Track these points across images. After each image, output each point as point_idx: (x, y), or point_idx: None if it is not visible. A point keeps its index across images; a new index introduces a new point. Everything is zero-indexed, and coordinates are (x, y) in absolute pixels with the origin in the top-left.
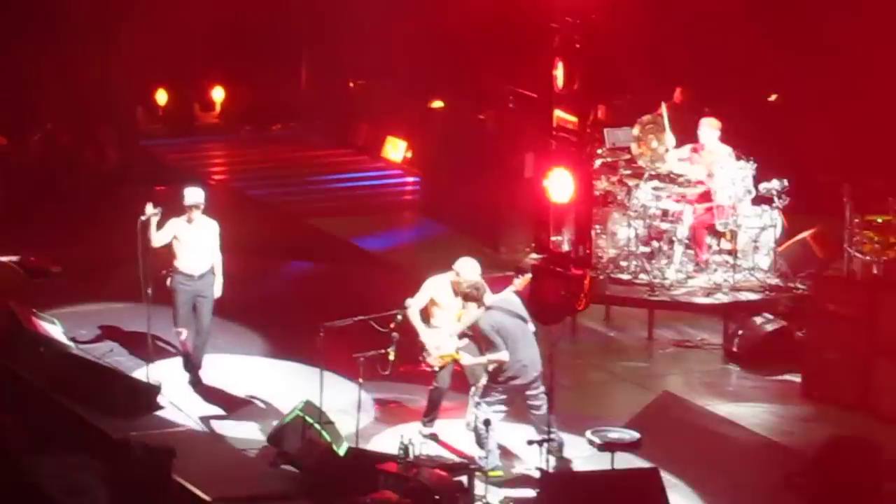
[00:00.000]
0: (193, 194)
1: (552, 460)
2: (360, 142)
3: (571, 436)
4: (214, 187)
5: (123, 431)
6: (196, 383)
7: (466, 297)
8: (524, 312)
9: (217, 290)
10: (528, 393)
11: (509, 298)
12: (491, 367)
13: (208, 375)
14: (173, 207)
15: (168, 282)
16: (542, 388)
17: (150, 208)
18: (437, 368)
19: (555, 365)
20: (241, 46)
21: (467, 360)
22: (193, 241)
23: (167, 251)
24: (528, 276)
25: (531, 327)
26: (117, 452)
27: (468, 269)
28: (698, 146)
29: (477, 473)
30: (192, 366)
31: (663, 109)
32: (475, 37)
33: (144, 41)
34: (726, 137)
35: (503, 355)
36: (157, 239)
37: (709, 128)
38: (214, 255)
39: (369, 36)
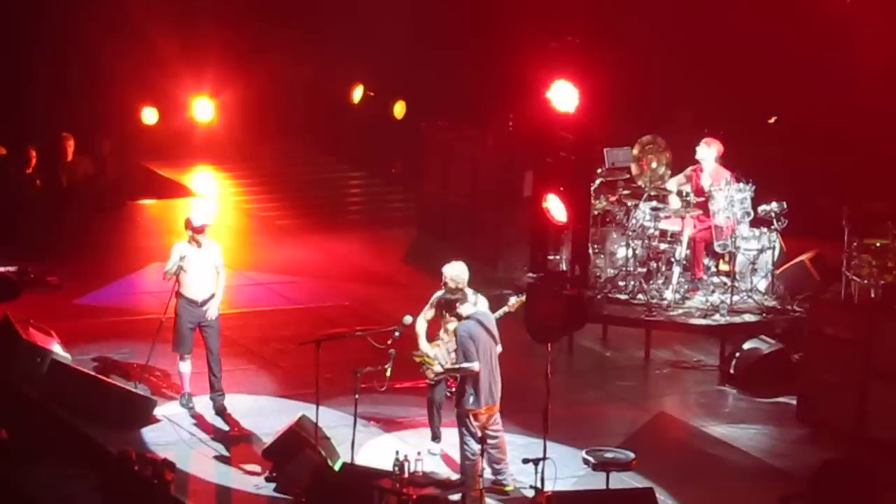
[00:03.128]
0: (203, 215)
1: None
2: (360, 157)
3: (567, 455)
4: (212, 202)
5: (119, 443)
6: (222, 411)
7: (446, 303)
8: (496, 332)
9: (214, 311)
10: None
11: (487, 314)
12: (459, 377)
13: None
14: (168, 220)
15: (168, 307)
16: (499, 423)
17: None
18: (430, 380)
19: (551, 384)
20: (237, 57)
21: (439, 368)
22: (199, 265)
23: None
24: (523, 297)
25: (498, 348)
26: (116, 464)
27: (455, 268)
28: (697, 168)
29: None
30: (215, 394)
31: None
32: (476, 55)
33: (138, 53)
34: (725, 159)
35: (475, 365)
36: (170, 268)
37: (707, 149)
38: (219, 277)
39: (372, 50)
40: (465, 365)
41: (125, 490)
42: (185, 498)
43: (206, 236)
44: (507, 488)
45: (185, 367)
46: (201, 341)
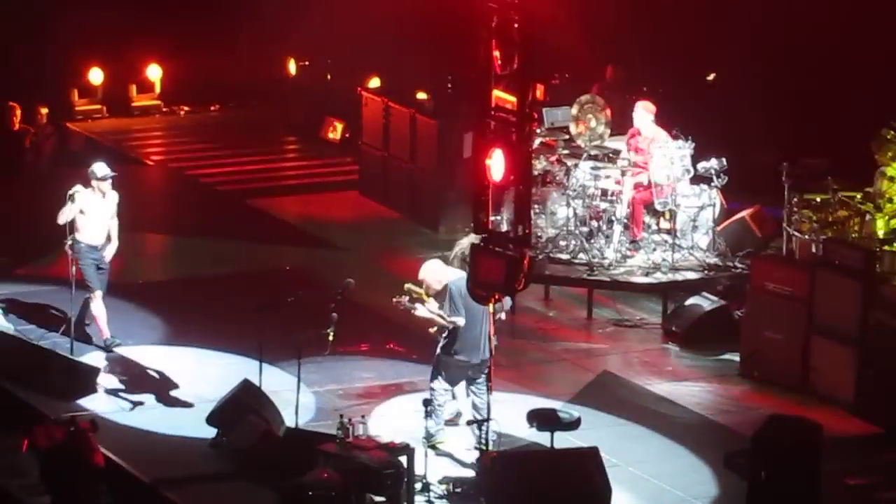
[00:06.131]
0: (105, 168)
1: (490, 441)
2: (298, 121)
3: (511, 415)
4: (153, 168)
5: (61, 412)
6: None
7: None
8: None
9: (109, 256)
10: (473, 377)
11: None
12: (444, 332)
13: (145, 365)
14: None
15: (69, 251)
16: (485, 378)
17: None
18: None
19: (493, 345)
20: (177, 25)
21: (432, 306)
22: (100, 214)
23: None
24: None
25: (501, 315)
26: (40, 432)
27: (429, 269)
28: (634, 131)
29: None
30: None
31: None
32: (412, 17)
33: (77, 18)
34: (664, 116)
35: (459, 320)
36: (66, 215)
37: (643, 111)
38: (112, 223)
39: (307, 15)
40: (450, 318)
41: (51, 452)
42: (127, 464)
43: (108, 186)
44: (439, 442)
45: (98, 307)
46: None
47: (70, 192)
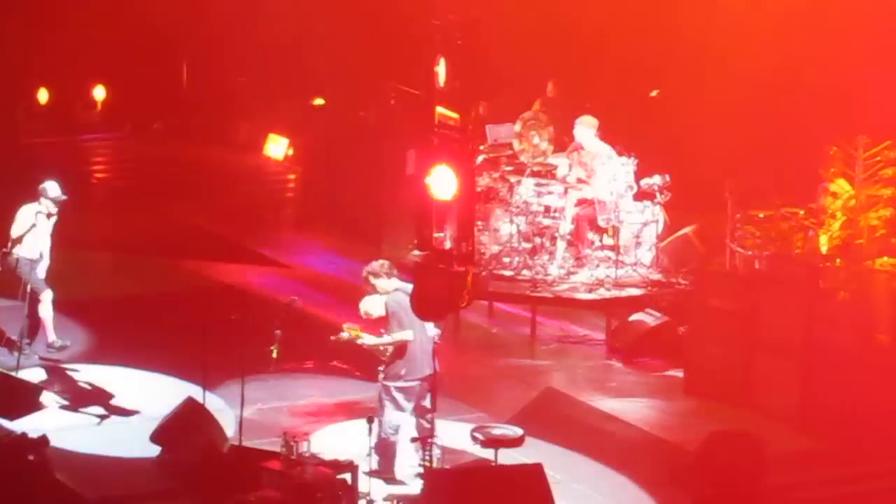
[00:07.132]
0: (57, 189)
1: (434, 458)
2: (242, 139)
3: (455, 432)
4: (96, 186)
5: (6, 431)
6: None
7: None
8: None
9: (43, 272)
10: (420, 395)
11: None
12: (389, 350)
13: (88, 383)
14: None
15: (12, 265)
16: (429, 395)
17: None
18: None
19: (438, 361)
20: (122, 44)
21: (368, 340)
22: (44, 231)
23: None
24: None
25: (433, 329)
26: None
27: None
28: (577, 145)
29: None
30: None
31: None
32: (357, 34)
33: (24, 38)
34: (608, 133)
35: (409, 334)
36: (20, 230)
37: (584, 127)
38: (48, 241)
39: (250, 33)
40: (398, 336)
41: (9, 473)
42: (70, 482)
43: (55, 207)
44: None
45: (47, 310)
46: None
47: (28, 210)
